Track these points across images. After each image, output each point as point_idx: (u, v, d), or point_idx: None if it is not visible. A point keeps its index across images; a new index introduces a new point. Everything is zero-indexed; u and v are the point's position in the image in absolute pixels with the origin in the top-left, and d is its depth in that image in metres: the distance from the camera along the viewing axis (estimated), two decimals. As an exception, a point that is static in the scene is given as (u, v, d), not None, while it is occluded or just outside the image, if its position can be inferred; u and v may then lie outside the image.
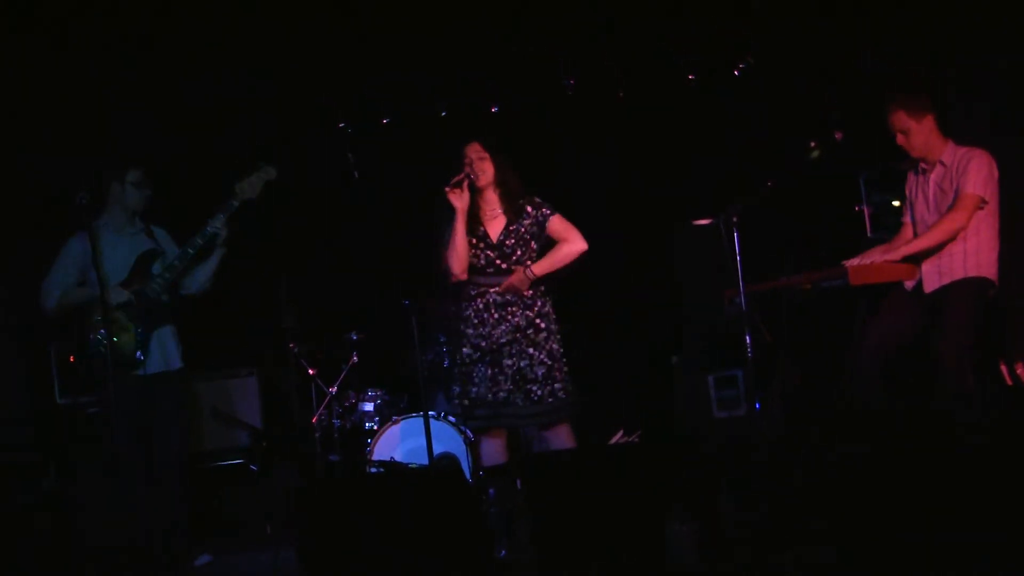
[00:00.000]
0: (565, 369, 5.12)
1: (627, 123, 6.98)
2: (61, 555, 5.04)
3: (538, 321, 5.08)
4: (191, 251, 5.32)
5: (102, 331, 5.15)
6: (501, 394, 5.02)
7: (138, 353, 5.26)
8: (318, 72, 6.70)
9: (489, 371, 5.04)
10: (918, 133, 5.13)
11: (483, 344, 5.06)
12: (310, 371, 6.51)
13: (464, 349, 5.11)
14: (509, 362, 5.03)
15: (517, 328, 5.05)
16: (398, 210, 6.88)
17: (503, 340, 5.04)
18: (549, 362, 5.06)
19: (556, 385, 5.06)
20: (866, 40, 6.20)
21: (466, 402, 5.08)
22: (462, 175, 5.02)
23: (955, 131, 5.23)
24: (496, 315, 5.08)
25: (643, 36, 6.64)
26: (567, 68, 6.77)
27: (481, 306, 5.10)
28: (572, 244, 5.11)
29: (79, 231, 5.25)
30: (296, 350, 6.37)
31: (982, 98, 5.94)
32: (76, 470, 5.89)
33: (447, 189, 5.00)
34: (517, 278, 5.07)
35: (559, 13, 6.50)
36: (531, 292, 5.09)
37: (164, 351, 5.40)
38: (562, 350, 5.13)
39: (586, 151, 7.09)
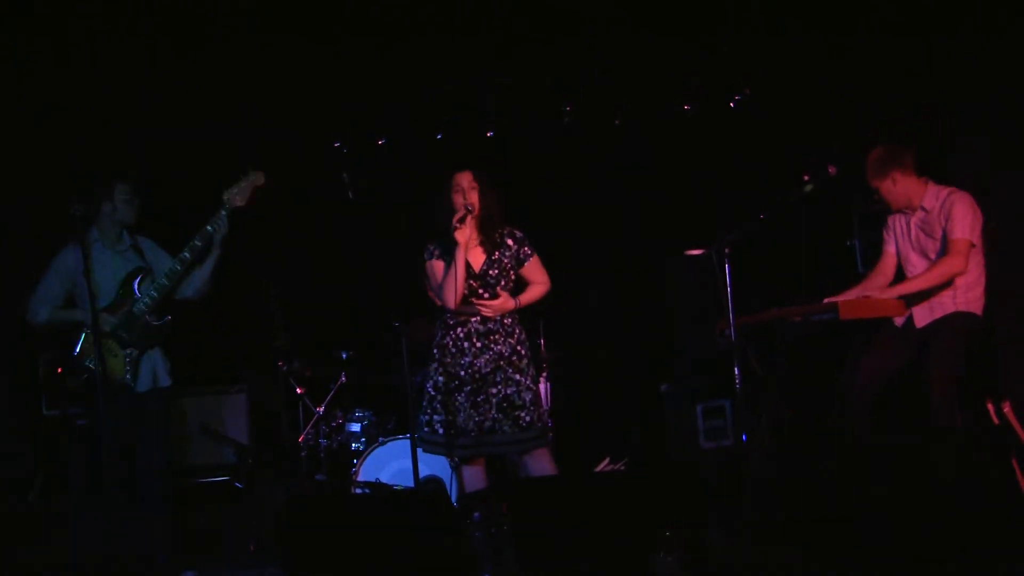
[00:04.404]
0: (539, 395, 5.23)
1: (622, 151, 7.00)
2: (45, 567, 5.00)
3: (519, 348, 5.13)
4: (179, 267, 5.24)
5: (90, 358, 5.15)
6: (487, 423, 5.03)
7: (127, 376, 5.22)
8: (314, 90, 6.71)
9: (471, 400, 5.05)
10: (888, 192, 5.22)
11: (462, 373, 5.07)
12: (298, 390, 6.50)
13: (439, 377, 5.11)
14: (495, 390, 5.04)
15: (501, 356, 5.07)
16: (391, 230, 6.88)
17: (487, 369, 5.05)
18: (534, 387, 5.12)
19: (542, 410, 5.14)
20: (862, 76, 6.23)
21: (451, 431, 5.05)
22: (463, 211, 5.01)
23: (955, 165, 5.25)
24: (479, 344, 5.08)
25: (639, 66, 6.67)
26: (564, 95, 6.80)
27: (461, 335, 5.10)
28: (543, 286, 5.21)
29: (71, 243, 5.20)
30: (284, 368, 6.36)
31: (982, 133, 5.98)
32: (62, 483, 5.84)
33: (455, 224, 4.98)
34: (503, 303, 5.08)
35: (556, 40, 6.52)
36: (510, 320, 5.12)
37: (153, 369, 5.37)
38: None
39: (580, 179, 7.10)
